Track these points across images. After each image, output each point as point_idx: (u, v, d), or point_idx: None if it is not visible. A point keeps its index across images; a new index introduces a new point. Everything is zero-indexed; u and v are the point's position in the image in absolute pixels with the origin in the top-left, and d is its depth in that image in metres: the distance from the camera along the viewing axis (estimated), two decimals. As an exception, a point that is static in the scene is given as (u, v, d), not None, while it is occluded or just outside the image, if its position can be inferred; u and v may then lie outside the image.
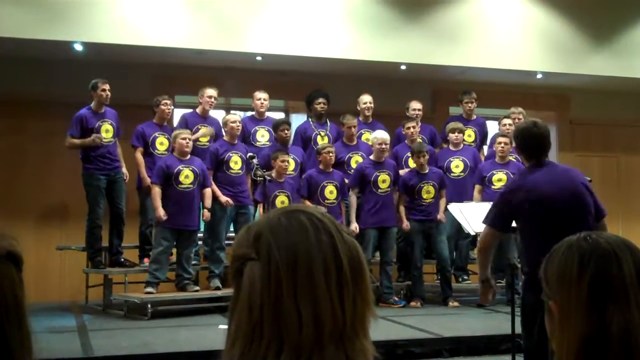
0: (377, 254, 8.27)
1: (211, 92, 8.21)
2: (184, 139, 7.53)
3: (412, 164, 8.27)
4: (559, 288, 1.42)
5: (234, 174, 7.91)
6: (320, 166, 7.99)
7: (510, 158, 8.30)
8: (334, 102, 8.74)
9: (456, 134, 8.57)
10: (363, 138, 8.62)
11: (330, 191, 7.93)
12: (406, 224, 8.06)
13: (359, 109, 8.76)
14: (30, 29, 7.81)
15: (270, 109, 8.80)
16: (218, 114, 8.81)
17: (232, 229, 8.13)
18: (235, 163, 7.90)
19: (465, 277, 8.62)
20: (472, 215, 6.24)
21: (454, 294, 8.28)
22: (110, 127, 7.79)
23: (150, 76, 9.06)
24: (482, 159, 8.88)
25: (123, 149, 7.99)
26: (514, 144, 8.30)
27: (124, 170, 7.97)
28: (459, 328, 6.79)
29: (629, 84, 10.28)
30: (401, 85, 9.67)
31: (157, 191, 7.46)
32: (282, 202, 7.68)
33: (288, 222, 1.11)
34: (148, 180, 7.75)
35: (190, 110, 8.59)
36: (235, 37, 8.53)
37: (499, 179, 8.09)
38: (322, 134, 8.63)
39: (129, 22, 8.14)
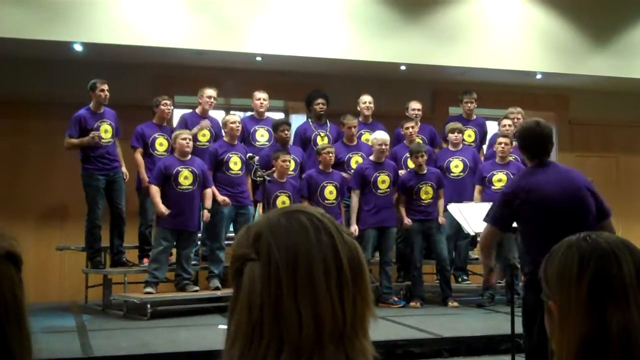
0: (377, 254, 8.27)
1: (211, 92, 8.21)
2: (185, 139, 7.52)
3: (411, 164, 8.27)
4: (559, 288, 1.42)
5: (234, 175, 7.90)
6: (320, 166, 8.00)
7: (510, 158, 8.30)
8: (333, 102, 8.74)
9: (455, 134, 8.57)
10: (363, 138, 8.62)
11: (330, 191, 7.93)
12: (407, 221, 8.05)
13: (358, 109, 8.76)
14: (30, 29, 7.81)
15: (269, 110, 8.80)
16: (218, 114, 8.81)
17: (232, 229, 8.13)
18: (235, 164, 7.90)
19: (465, 277, 8.62)
20: (472, 216, 6.24)
21: (454, 294, 8.28)
22: (109, 127, 7.78)
23: (150, 76, 9.06)
24: (482, 159, 8.88)
25: (123, 150, 7.99)
26: (514, 144, 8.37)
27: (124, 169, 7.97)
28: (458, 328, 6.79)
29: (629, 85, 10.28)
30: (401, 85, 9.67)
31: (154, 189, 7.46)
32: (283, 203, 7.68)
33: (288, 223, 1.11)
34: (147, 180, 7.75)
35: (190, 110, 8.58)
36: (235, 37, 8.53)
37: (499, 179, 8.09)
38: (322, 134, 8.63)
39: (129, 22, 8.14)
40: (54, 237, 8.62)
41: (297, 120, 9.48)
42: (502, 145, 8.20)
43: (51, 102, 8.59)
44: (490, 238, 4.20)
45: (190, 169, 7.52)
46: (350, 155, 8.45)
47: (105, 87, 7.70)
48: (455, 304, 8.12)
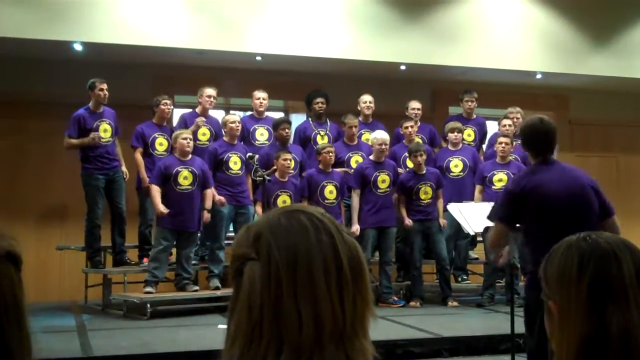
0: (377, 253, 8.28)
1: (210, 91, 8.20)
2: (185, 139, 7.51)
3: (410, 163, 8.27)
4: (559, 288, 1.42)
5: (234, 174, 7.90)
6: (320, 166, 8.00)
7: (510, 158, 8.30)
8: (334, 102, 8.74)
9: (455, 133, 8.57)
10: (363, 138, 8.62)
11: (330, 191, 7.93)
12: (408, 222, 8.05)
13: (359, 109, 8.76)
14: (30, 29, 7.81)
15: (269, 109, 8.80)
16: (218, 114, 8.81)
17: (232, 229, 8.13)
18: (235, 163, 7.89)
19: (465, 277, 8.62)
20: (472, 216, 6.24)
21: (454, 293, 8.28)
22: (108, 127, 7.78)
23: (150, 76, 9.06)
24: (482, 158, 8.88)
25: (122, 149, 7.99)
26: (514, 144, 8.39)
27: (124, 169, 7.97)
28: (458, 328, 6.79)
29: (629, 84, 10.28)
30: (401, 85, 9.67)
31: (155, 189, 7.46)
32: (284, 202, 7.68)
33: (288, 222, 1.11)
34: (148, 180, 7.74)
35: (190, 110, 8.58)
36: (235, 37, 8.53)
37: (500, 179, 8.10)
38: (322, 133, 8.63)
39: (129, 22, 8.14)
40: (54, 237, 8.62)
41: (297, 119, 9.48)
42: (503, 145, 8.20)
43: (51, 102, 8.58)
44: (499, 236, 4.15)
45: (190, 169, 7.52)
46: (351, 155, 8.46)
47: (105, 86, 7.69)
48: (455, 303, 8.12)
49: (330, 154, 7.95)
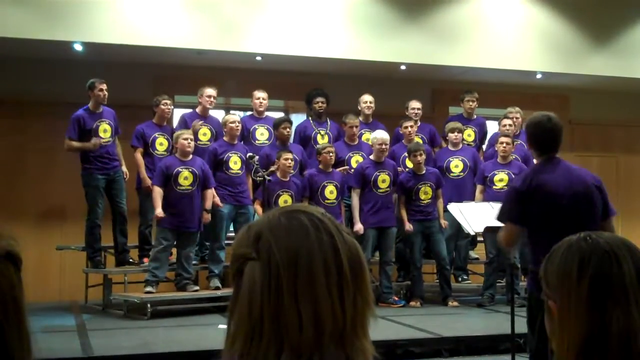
0: (377, 253, 8.27)
1: (210, 91, 8.20)
2: (186, 139, 7.51)
3: (409, 163, 8.27)
4: (559, 288, 1.42)
5: (234, 174, 7.90)
6: (320, 166, 7.99)
7: (511, 158, 8.30)
8: (334, 102, 8.74)
9: (455, 133, 8.57)
10: (363, 138, 8.62)
11: (330, 191, 7.93)
12: (409, 226, 8.04)
13: (359, 108, 8.76)
14: (30, 29, 7.81)
15: (269, 109, 8.80)
16: (218, 114, 8.82)
17: (232, 228, 8.13)
18: (235, 163, 7.89)
19: (465, 277, 8.62)
20: (472, 215, 6.24)
21: (454, 293, 8.28)
22: (108, 127, 7.78)
23: (150, 76, 9.06)
24: (481, 158, 8.88)
25: (123, 149, 7.99)
26: (515, 144, 8.39)
27: (124, 168, 7.97)
28: (458, 328, 6.79)
29: (629, 84, 10.28)
30: (401, 85, 9.67)
31: (157, 191, 7.45)
32: (285, 202, 7.68)
33: (288, 222, 1.11)
34: (148, 180, 7.75)
35: (190, 110, 8.58)
36: (235, 37, 8.53)
37: (501, 179, 8.10)
38: (322, 132, 8.63)
39: (129, 22, 8.14)
40: (54, 237, 8.62)
41: (297, 119, 9.47)
42: (504, 144, 8.20)
43: (51, 102, 8.59)
44: (512, 236, 4.07)
45: (190, 170, 7.51)
46: (351, 155, 8.46)
47: (104, 86, 7.69)
48: (455, 303, 8.12)
49: (331, 154, 7.95)
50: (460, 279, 8.62)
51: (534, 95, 10.37)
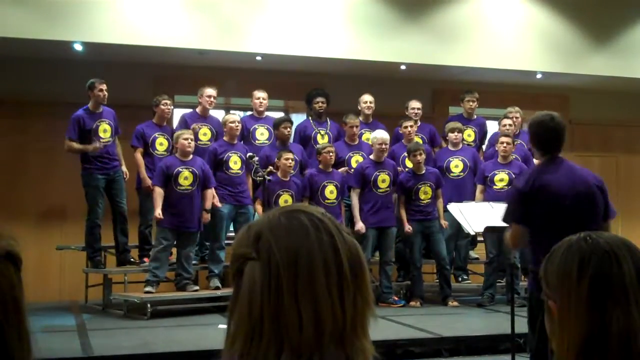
0: (377, 253, 8.27)
1: (210, 91, 8.20)
2: (186, 139, 7.51)
3: (409, 163, 8.27)
4: (559, 288, 1.42)
5: (234, 174, 7.90)
6: (320, 166, 8.00)
7: (512, 158, 8.30)
8: (334, 102, 8.75)
9: (455, 133, 8.57)
10: (363, 138, 8.62)
11: (330, 191, 7.93)
12: (408, 228, 8.04)
13: (359, 108, 8.76)
14: (30, 29, 7.81)
15: (269, 109, 8.80)
16: (218, 114, 8.82)
17: (232, 228, 8.13)
18: (235, 163, 7.89)
19: (465, 277, 8.62)
20: (472, 215, 6.24)
21: (454, 293, 8.28)
22: (107, 127, 7.78)
23: (151, 76, 9.06)
24: (482, 158, 8.88)
25: (123, 149, 7.98)
26: (515, 144, 8.39)
27: (124, 168, 7.97)
28: (458, 328, 6.79)
29: (629, 84, 10.28)
30: (401, 85, 9.66)
31: (158, 191, 7.45)
32: (286, 202, 7.68)
33: (288, 222, 1.11)
34: (148, 180, 7.75)
35: (190, 110, 8.58)
36: (235, 37, 8.53)
37: (501, 179, 8.10)
38: (322, 132, 8.63)
39: (129, 22, 8.14)
40: (54, 237, 8.62)
41: (297, 119, 9.47)
42: (505, 144, 8.20)
43: (51, 102, 8.59)
44: (518, 237, 4.04)
45: (190, 170, 7.51)
46: (351, 155, 8.46)
47: (104, 86, 7.69)
48: (455, 303, 8.12)
49: (331, 154, 7.95)
50: (460, 279, 8.62)
51: (534, 95, 10.36)
